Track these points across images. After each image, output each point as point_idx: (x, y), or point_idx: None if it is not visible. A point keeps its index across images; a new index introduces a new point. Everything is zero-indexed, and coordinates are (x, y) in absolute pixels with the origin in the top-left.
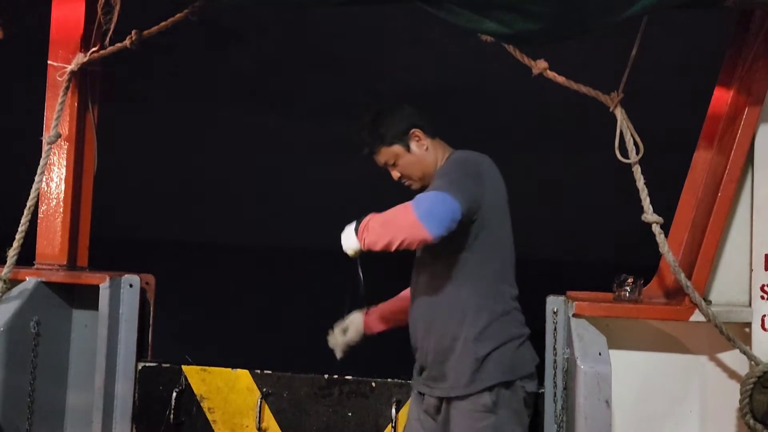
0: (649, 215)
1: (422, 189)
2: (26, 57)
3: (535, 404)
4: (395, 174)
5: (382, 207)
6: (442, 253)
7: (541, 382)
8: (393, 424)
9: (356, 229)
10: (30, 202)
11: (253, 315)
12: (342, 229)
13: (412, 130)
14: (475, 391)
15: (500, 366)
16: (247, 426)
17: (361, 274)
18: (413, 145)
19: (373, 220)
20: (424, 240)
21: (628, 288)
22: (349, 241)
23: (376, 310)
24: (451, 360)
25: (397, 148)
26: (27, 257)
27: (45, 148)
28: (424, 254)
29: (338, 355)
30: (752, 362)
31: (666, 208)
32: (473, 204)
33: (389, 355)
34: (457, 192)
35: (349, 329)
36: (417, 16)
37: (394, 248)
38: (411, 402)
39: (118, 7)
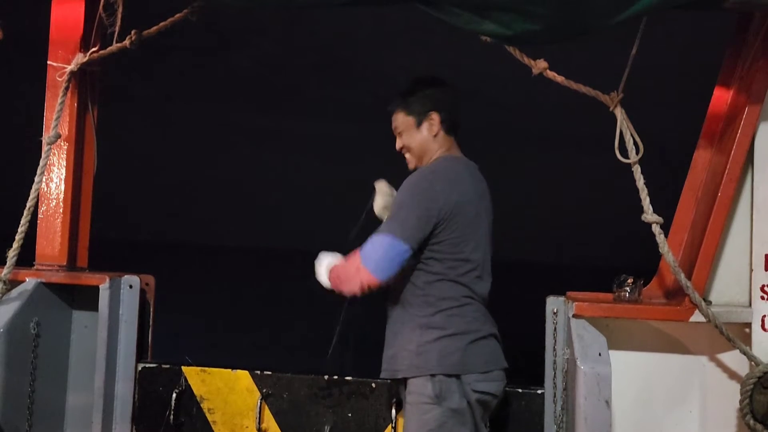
0: (649, 215)
1: (415, 168)
2: (26, 57)
3: (535, 404)
4: (398, 143)
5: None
6: None
7: (540, 383)
8: (393, 425)
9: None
10: (30, 203)
11: (253, 315)
12: (344, 228)
13: (431, 112)
14: (415, 375)
15: (441, 357)
16: (247, 427)
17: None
18: (425, 125)
19: (334, 269)
20: (373, 285)
21: (628, 288)
22: (321, 278)
23: None
24: (397, 343)
25: (410, 120)
26: (27, 258)
27: (45, 148)
28: None
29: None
30: (752, 362)
31: (666, 208)
32: (424, 233)
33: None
34: (404, 232)
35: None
36: (417, 18)
37: (351, 294)
38: None
39: (121, 9)
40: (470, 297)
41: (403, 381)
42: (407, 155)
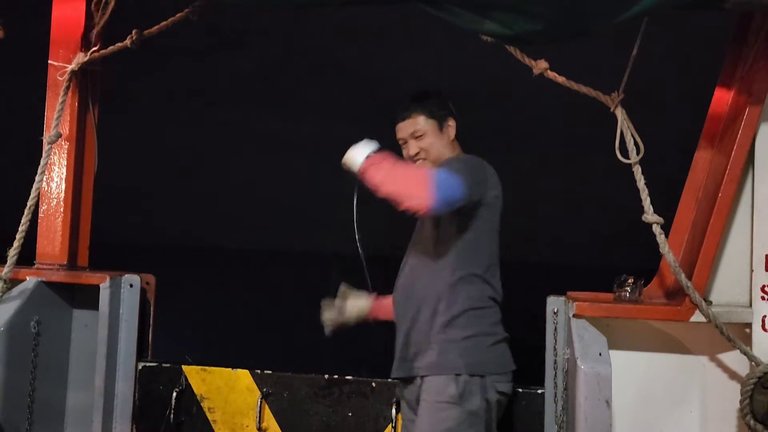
0: (650, 215)
1: None
2: (27, 56)
3: (535, 404)
4: (414, 148)
5: (382, 209)
6: (432, 240)
7: (541, 383)
8: (393, 425)
9: (369, 154)
10: (30, 202)
11: (254, 315)
12: (342, 230)
13: (451, 118)
14: (438, 373)
15: (467, 356)
16: (247, 426)
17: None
18: (446, 130)
19: (389, 162)
20: (423, 206)
21: (628, 288)
22: (355, 158)
23: (384, 298)
24: (421, 342)
25: (433, 124)
26: (27, 257)
27: (45, 148)
28: (417, 238)
29: (327, 330)
30: (752, 363)
31: (666, 208)
32: (474, 196)
33: (389, 356)
34: (465, 181)
35: (349, 309)
36: (417, 18)
37: (390, 197)
38: (400, 401)
39: (111, 5)
40: (494, 299)
41: (418, 380)
42: (420, 161)
